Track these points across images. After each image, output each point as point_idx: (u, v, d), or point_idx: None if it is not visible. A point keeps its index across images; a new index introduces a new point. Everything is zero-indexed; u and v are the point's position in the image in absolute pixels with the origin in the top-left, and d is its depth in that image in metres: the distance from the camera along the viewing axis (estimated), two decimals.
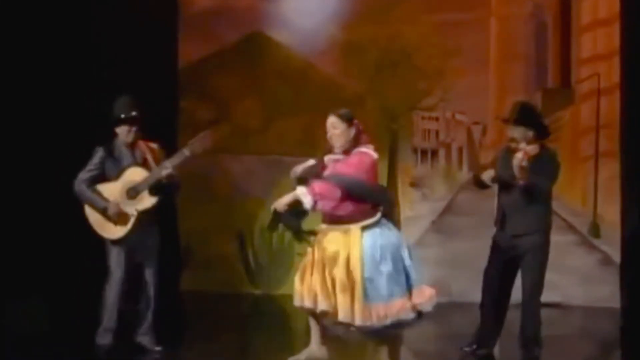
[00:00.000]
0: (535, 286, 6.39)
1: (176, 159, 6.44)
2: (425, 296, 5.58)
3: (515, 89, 8.93)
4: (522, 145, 6.31)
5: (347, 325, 5.51)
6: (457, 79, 8.91)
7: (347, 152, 5.63)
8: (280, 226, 5.75)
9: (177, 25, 9.24)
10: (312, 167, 5.74)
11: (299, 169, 5.77)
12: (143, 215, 6.49)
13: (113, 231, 6.52)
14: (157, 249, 6.66)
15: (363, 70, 9.10)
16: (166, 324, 6.93)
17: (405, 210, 9.05)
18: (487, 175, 6.46)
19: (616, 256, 8.64)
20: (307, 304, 5.56)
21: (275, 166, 8.82)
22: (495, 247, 6.56)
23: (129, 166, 6.52)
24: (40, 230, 8.02)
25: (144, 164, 6.55)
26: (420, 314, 5.59)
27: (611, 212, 8.68)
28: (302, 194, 5.45)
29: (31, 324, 7.14)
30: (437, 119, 9.19)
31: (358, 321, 5.44)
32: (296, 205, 5.50)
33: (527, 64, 9.07)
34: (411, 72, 9.03)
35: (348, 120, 5.62)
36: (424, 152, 9.24)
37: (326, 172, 5.59)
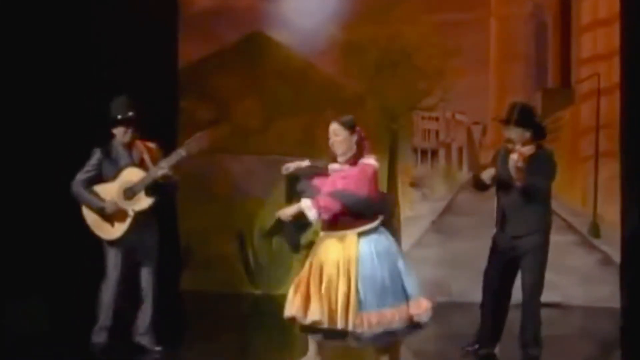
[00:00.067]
0: (535, 286, 6.39)
1: (172, 159, 6.43)
2: (422, 308, 5.53)
3: (515, 89, 8.92)
4: (518, 146, 6.29)
5: (340, 335, 5.48)
6: (457, 79, 8.90)
7: (349, 161, 5.59)
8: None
9: (177, 25, 9.24)
10: (307, 168, 5.73)
11: (291, 166, 5.77)
12: (140, 215, 6.49)
13: (110, 232, 6.52)
14: (156, 249, 6.66)
15: (363, 70, 9.10)
16: (166, 324, 6.94)
17: (405, 210, 9.06)
18: (487, 175, 6.44)
19: (616, 256, 8.63)
20: (298, 314, 5.48)
21: (275, 166, 8.66)
22: (495, 248, 6.55)
23: (126, 166, 6.52)
24: (40, 231, 8.01)
25: (141, 164, 6.55)
26: (417, 325, 5.56)
27: (611, 212, 8.67)
28: (307, 207, 5.45)
29: (31, 324, 7.14)
30: (437, 119, 9.19)
31: (350, 327, 5.40)
32: (300, 217, 5.50)
33: (527, 64, 9.06)
34: (411, 72, 9.03)
35: (350, 128, 5.57)
36: (424, 152, 9.23)
37: (327, 186, 5.55)
